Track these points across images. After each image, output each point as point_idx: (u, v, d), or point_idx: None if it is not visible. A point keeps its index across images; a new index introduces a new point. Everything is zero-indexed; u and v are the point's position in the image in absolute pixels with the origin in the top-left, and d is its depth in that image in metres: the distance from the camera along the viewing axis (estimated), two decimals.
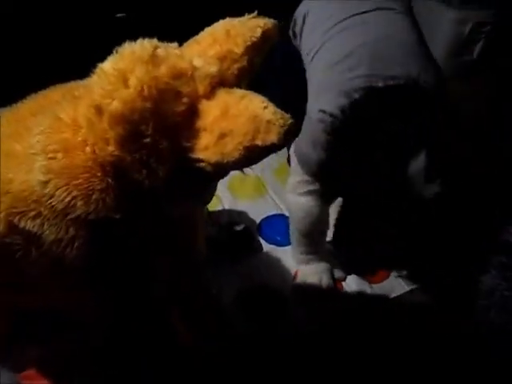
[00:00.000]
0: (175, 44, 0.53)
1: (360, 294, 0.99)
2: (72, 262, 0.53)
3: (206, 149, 0.48)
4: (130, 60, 0.48)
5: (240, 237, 1.04)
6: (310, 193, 0.89)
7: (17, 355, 0.74)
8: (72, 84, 0.59)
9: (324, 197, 0.90)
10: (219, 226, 1.06)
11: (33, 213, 0.50)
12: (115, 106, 0.46)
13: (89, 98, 0.49)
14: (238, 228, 1.07)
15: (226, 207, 1.14)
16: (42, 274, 0.55)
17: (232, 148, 0.47)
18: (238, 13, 0.58)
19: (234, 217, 1.11)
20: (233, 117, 0.47)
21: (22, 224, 0.50)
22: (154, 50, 0.49)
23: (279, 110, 0.47)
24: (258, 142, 0.46)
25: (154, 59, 0.48)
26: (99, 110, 0.47)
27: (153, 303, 0.68)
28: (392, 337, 0.89)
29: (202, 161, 0.49)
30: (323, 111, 0.77)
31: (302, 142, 0.82)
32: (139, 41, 0.50)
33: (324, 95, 0.80)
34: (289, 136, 0.47)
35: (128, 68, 0.47)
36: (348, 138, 0.78)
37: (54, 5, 1.22)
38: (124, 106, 0.46)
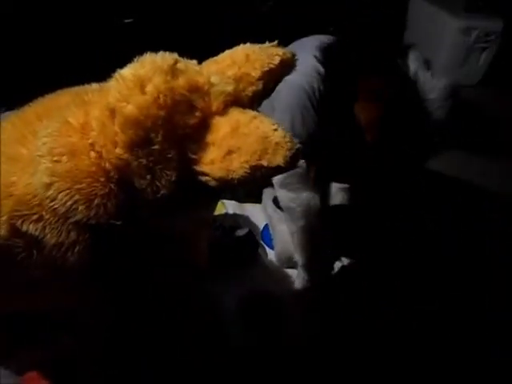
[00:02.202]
0: (195, 61, 0.55)
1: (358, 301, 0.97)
2: (73, 265, 0.53)
3: (212, 163, 0.49)
4: (149, 68, 0.50)
5: (243, 241, 1.03)
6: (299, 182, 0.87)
7: (19, 358, 0.73)
8: (79, 88, 0.61)
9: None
10: (223, 230, 1.05)
11: (35, 216, 0.51)
12: (130, 109, 0.48)
13: (104, 101, 0.51)
14: (241, 233, 1.05)
15: (230, 212, 1.13)
16: (44, 275, 0.54)
17: (238, 165, 0.48)
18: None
19: (238, 222, 1.10)
20: (242, 135, 0.49)
21: (24, 227, 0.51)
22: (175, 63, 0.51)
23: (288, 134, 0.48)
24: (264, 163, 0.47)
25: (173, 70, 0.50)
26: (112, 112, 0.49)
27: (152, 305, 0.67)
28: (392, 344, 0.88)
29: (206, 174, 0.50)
30: None
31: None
32: (161, 52, 0.52)
33: None
34: (295, 160, 0.48)
35: (147, 75, 0.49)
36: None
37: (61, 9, 1.22)
38: (138, 111, 0.48)
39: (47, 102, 0.59)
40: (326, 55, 0.79)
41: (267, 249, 1.07)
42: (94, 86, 0.60)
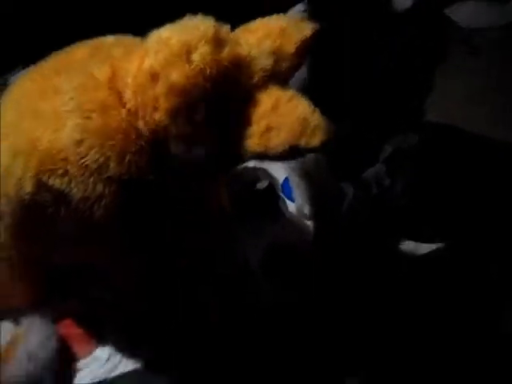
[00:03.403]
0: (228, 26, 0.54)
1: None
2: (100, 219, 0.53)
3: (251, 138, 0.50)
4: (193, 35, 0.49)
5: (263, 195, 1.02)
6: None
7: (53, 307, 0.75)
8: (95, 41, 0.59)
9: None
10: (242, 184, 1.04)
11: (60, 171, 0.51)
12: (175, 77, 0.47)
13: (141, 62, 0.50)
14: (261, 186, 1.05)
15: (250, 165, 1.12)
16: (75, 230, 0.55)
17: (277, 143, 0.49)
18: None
19: (257, 175, 1.09)
20: (282, 114, 0.49)
21: (50, 182, 0.51)
22: (217, 31, 0.50)
23: (324, 117, 0.50)
24: (302, 143, 0.49)
25: (217, 40, 0.49)
26: (155, 77, 0.48)
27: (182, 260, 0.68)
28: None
29: (245, 148, 0.51)
30: None
31: None
32: (199, 16, 0.51)
33: None
34: (329, 143, 0.50)
35: (192, 43, 0.48)
36: None
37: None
38: (185, 80, 0.47)
39: (64, 56, 0.58)
40: None
41: (288, 201, 1.06)
42: (110, 38, 0.58)
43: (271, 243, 0.96)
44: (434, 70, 0.89)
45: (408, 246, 1.01)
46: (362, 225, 0.96)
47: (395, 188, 0.97)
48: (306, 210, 0.97)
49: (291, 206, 1.05)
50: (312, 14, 0.76)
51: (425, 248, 0.99)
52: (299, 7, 0.81)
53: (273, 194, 1.05)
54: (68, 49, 0.59)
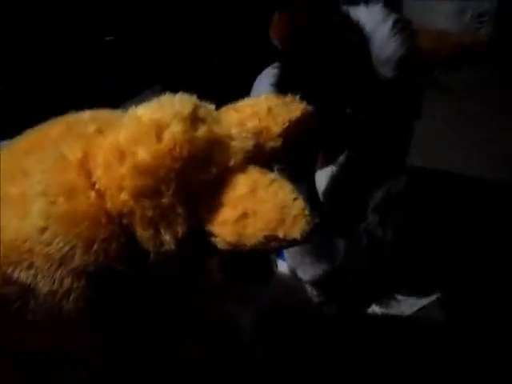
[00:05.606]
0: (213, 106, 0.52)
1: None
2: (70, 313, 0.49)
3: (224, 224, 0.46)
4: (168, 113, 0.46)
5: (253, 255, 0.99)
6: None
7: None
8: (70, 118, 0.56)
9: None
10: None
11: (26, 263, 0.47)
12: (142, 155, 0.45)
13: (113, 139, 0.47)
14: None
15: None
16: (46, 322, 0.51)
17: (251, 232, 0.44)
18: None
19: None
20: (260, 200, 0.45)
21: (15, 275, 0.47)
22: (195, 109, 0.47)
23: (307, 206, 0.45)
24: (280, 234, 0.44)
25: (192, 118, 0.47)
26: (122, 155, 0.46)
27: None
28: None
29: (216, 236, 0.47)
30: None
31: None
32: (179, 94, 0.49)
33: None
34: (311, 235, 0.44)
35: (164, 121, 0.46)
36: None
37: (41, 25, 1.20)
38: (151, 158, 0.45)
39: (36, 135, 0.55)
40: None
41: (279, 260, 1.03)
42: (86, 114, 0.56)
43: (263, 304, 0.92)
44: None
45: (402, 301, 0.98)
46: (358, 279, 0.93)
47: (386, 236, 0.94)
48: (299, 272, 0.93)
49: (282, 265, 1.02)
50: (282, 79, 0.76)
51: (419, 303, 0.96)
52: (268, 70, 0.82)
53: (263, 254, 1.02)
54: (42, 126, 0.56)
